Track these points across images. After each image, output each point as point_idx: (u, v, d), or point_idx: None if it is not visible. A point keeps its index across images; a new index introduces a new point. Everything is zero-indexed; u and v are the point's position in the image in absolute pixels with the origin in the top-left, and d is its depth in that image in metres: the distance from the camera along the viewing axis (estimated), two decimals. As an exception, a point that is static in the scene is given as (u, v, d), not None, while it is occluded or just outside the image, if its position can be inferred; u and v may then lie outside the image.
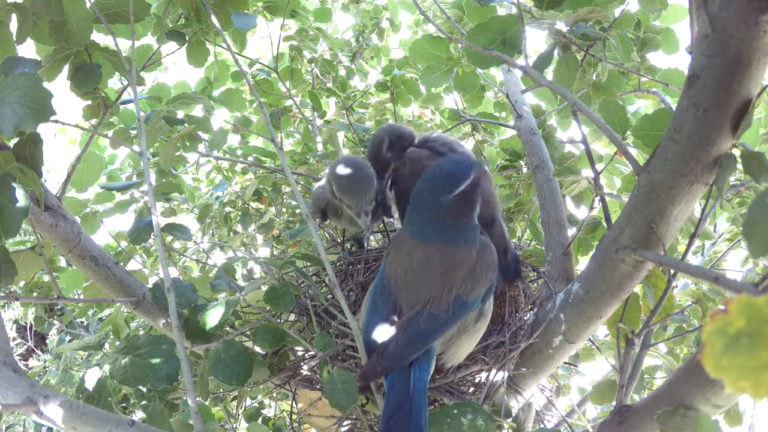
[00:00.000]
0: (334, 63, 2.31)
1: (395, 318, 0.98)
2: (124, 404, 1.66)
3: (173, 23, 1.46)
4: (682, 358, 1.55)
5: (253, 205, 2.12)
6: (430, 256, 1.02)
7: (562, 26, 1.17)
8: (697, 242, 1.86)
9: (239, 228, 2.11)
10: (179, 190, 1.69)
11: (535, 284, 1.40)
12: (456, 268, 1.00)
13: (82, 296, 1.54)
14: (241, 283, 1.36)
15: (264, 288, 1.14)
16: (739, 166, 0.76)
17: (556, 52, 1.18)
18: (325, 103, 2.28)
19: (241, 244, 2.12)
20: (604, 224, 1.17)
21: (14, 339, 4.23)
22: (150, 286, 1.22)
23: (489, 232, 1.18)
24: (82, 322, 2.51)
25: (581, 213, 1.48)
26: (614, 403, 0.91)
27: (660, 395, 0.80)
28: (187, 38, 1.42)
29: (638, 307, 1.00)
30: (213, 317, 1.04)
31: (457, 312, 0.98)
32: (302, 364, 1.26)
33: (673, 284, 0.92)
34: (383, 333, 0.96)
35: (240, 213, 2.07)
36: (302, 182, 1.93)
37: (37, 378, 2.80)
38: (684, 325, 1.47)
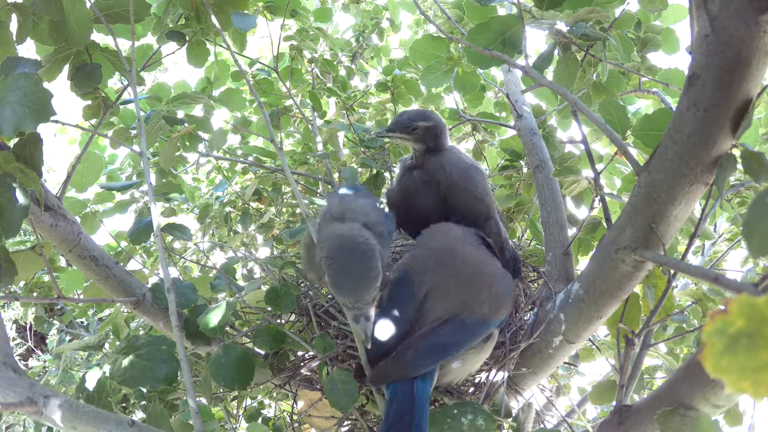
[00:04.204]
0: (335, 63, 2.31)
1: (414, 319, 0.95)
2: (124, 404, 1.66)
3: (173, 23, 1.46)
4: (682, 358, 1.55)
5: (253, 205, 2.12)
6: (459, 252, 1.01)
7: (562, 26, 1.17)
8: (697, 242, 1.86)
9: (239, 228, 2.11)
10: (179, 190, 1.69)
11: (535, 284, 1.40)
12: (483, 274, 0.99)
13: (82, 296, 1.54)
14: (241, 283, 1.36)
15: (264, 288, 1.14)
16: (739, 166, 0.76)
17: (556, 52, 1.19)
18: (325, 103, 2.28)
19: (241, 244, 2.12)
20: (604, 224, 1.17)
21: (14, 339, 4.22)
22: (150, 286, 1.22)
23: (484, 230, 1.18)
24: (82, 322, 2.51)
25: (581, 213, 1.48)
26: (614, 403, 0.91)
27: (660, 395, 0.80)
28: (187, 38, 1.42)
29: (638, 307, 1.00)
30: (212, 320, 1.04)
31: (479, 331, 0.96)
32: (302, 364, 1.26)
33: (673, 284, 0.92)
34: (399, 335, 0.93)
35: (240, 213, 2.07)
36: (302, 182, 1.93)
37: (37, 378, 2.80)
38: (684, 325, 1.47)
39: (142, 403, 1.48)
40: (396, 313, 0.96)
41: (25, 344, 4.06)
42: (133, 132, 1.54)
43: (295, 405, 1.36)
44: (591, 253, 1.18)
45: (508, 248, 1.22)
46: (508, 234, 1.30)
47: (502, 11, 1.50)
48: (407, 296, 0.97)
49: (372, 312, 0.89)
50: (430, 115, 1.24)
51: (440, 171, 1.21)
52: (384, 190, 1.72)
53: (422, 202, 1.20)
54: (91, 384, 1.00)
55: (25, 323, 3.97)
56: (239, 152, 2.10)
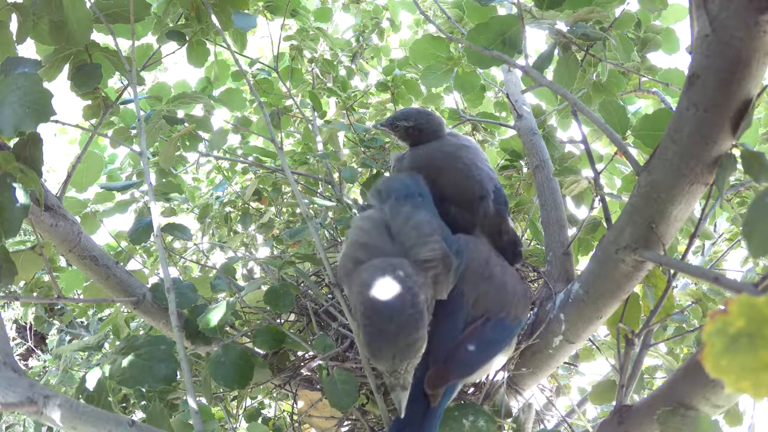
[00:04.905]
0: (335, 63, 2.31)
1: (462, 320, 0.94)
2: (124, 404, 1.66)
3: (173, 23, 1.46)
4: (682, 358, 1.55)
5: (253, 205, 2.12)
6: (491, 260, 1.03)
7: (562, 26, 1.17)
8: (697, 242, 1.86)
9: (239, 228, 2.11)
10: (179, 190, 1.69)
11: (535, 284, 1.40)
12: (510, 277, 1.02)
13: (82, 296, 1.54)
14: (241, 283, 1.36)
15: (264, 288, 1.14)
16: (739, 166, 0.76)
17: (556, 52, 1.18)
18: (326, 103, 2.28)
19: (241, 244, 2.12)
20: (604, 224, 1.17)
21: (14, 339, 4.22)
22: (150, 286, 1.22)
23: (477, 211, 1.15)
24: (82, 322, 2.51)
25: (581, 213, 1.48)
26: (614, 403, 0.91)
27: (660, 395, 0.80)
28: (187, 38, 1.42)
29: (638, 307, 1.00)
30: (212, 320, 1.04)
31: (515, 328, 0.99)
32: (302, 364, 1.26)
33: (673, 284, 0.92)
34: (446, 336, 0.92)
35: (240, 213, 2.07)
36: (302, 182, 1.93)
37: (37, 378, 2.80)
38: (684, 325, 1.47)
39: (142, 403, 1.49)
40: (451, 321, 0.94)
41: (25, 344, 4.06)
42: (133, 132, 1.54)
43: (295, 405, 1.36)
44: (591, 253, 1.17)
45: (507, 231, 1.17)
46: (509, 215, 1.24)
47: (502, 11, 1.50)
48: (459, 305, 0.96)
49: (409, 381, 0.79)
50: (413, 115, 1.26)
51: (424, 158, 1.21)
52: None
53: None
54: (91, 384, 1.00)
55: (25, 323, 3.97)
56: (239, 152, 2.10)
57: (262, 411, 1.63)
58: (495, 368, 1.04)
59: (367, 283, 0.80)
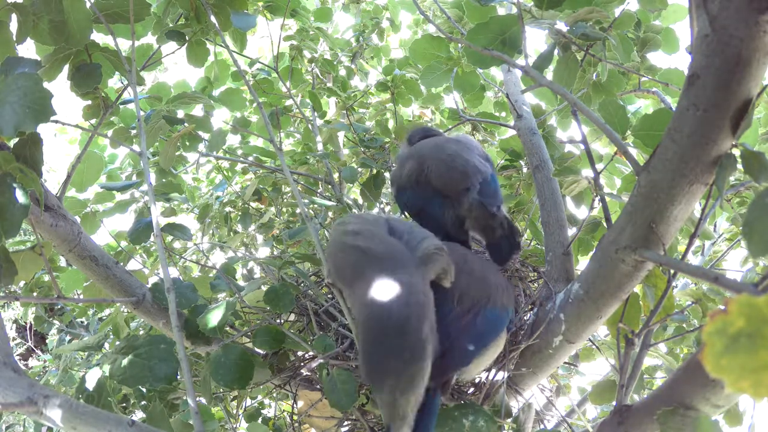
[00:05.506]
0: (335, 63, 2.31)
1: (452, 315, 0.95)
2: (124, 404, 1.66)
3: (173, 23, 1.46)
4: (682, 358, 1.55)
5: (253, 205, 2.12)
6: (468, 257, 1.05)
7: (562, 26, 1.17)
8: (697, 242, 1.86)
9: (239, 228, 2.11)
10: (179, 190, 1.69)
11: (535, 284, 1.40)
12: (490, 270, 1.04)
13: (82, 296, 1.54)
14: (241, 283, 1.36)
15: (264, 288, 1.14)
16: (739, 166, 0.76)
17: (556, 51, 1.18)
18: (325, 103, 2.28)
19: (241, 244, 2.12)
20: (604, 224, 1.17)
21: (14, 339, 4.22)
22: (150, 286, 1.22)
23: (462, 203, 1.14)
24: (82, 322, 2.51)
25: (581, 213, 1.48)
26: (614, 403, 0.91)
27: (660, 395, 0.80)
28: (187, 38, 1.42)
29: (638, 307, 1.00)
30: (212, 320, 1.04)
31: (503, 319, 1.00)
32: (302, 364, 1.26)
33: (673, 284, 0.92)
34: (440, 332, 0.91)
35: (240, 213, 2.07)
36: (302, 182, 1.93)
37: (37, 378, 2.80)
38: (684, 325, 1.47)
39: (142, 403, 1.48)
40: (441, 318, 0.92)
41: (25, 344, 4.06)
42: (133, 132, 1.54)
43: (295, 405, 1.36)
44: (591, 253, 1.17)
45: (501, 225, 1.14)
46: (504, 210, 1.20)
47: (501, 11, 1.50)
48: (445, 302, 0.96)
49: (408, 412, 0.72)
50: (419, 131, 1.38)
51: (415, 152, 1.25)
52: (384, 190, 1.73)
53: (407, 175, 1.23)
54: (91, 384, 1.00)
55: (25, 323, 3.97)
56: (239, 152, 2.10)
57: (262, 411, 1.63)
58: (489, 359, 1.04)
59: (370, 303, 0.75)
